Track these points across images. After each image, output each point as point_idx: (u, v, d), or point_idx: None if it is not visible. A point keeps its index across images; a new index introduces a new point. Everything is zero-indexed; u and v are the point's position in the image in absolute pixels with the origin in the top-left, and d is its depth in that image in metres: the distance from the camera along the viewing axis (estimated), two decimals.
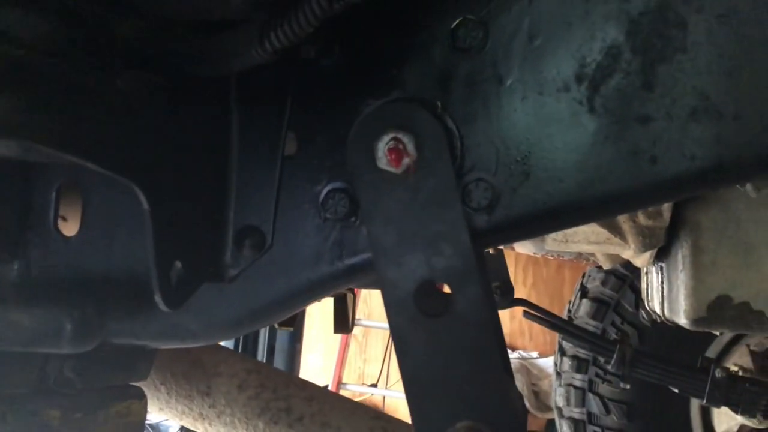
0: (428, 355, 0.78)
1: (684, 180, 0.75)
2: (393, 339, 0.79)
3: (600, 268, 3.17)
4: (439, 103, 0.79)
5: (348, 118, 0.81)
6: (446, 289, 0.78)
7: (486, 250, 2.34)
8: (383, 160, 0.75)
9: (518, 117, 0.77)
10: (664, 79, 0.74)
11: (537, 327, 6.98)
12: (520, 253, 6.65)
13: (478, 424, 0.75)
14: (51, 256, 0.87)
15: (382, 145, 0.75)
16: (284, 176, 0.84)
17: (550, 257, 2.43)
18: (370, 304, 7.20)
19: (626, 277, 3.05)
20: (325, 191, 0.83)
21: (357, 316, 7.08)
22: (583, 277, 3.33)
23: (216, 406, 1.27)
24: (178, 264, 0.74)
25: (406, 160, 0.75)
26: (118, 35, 0.66)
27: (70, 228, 0.90)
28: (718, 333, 2.24)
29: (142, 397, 1.05)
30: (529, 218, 0.79)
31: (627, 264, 3.04)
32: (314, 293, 0.86)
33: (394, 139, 0.75)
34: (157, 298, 0.71)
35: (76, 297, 0.84)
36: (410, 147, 0.75)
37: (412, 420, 0.79)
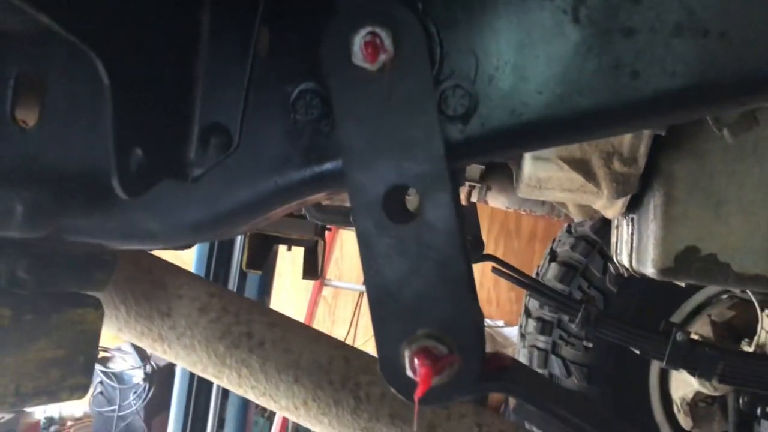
0: (393, 262, 0.76)
1: (664, 98, 0.73)
2: (359, 245, 0.77)
3: (570, 232, 3.19)
4: (420, 5, 0.76)
5: (325, 14, 0.77)
6: (415, 195, 0.76)
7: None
8: (358, 56, 0.72)
9: (500, 24, 0.75)
10: None
11: (504, 296, 7.06)
12: (492, 224, 6.70)
13: (439, 332, 0.74)
14: (6, 145, 0.83)
15: (359, 39, 0.72)
16: (255, 73, 0.81)
17: (522, 212, 2.43)
18: (341, 266, 7.20)
19: (596, 243, 3.07)
20: (296, 91, 0.80)
21: (327, 277, 7.09)
22: (554, 241, 3.35)
23: (176, 328, 1.25)
24: (139, 151, 0.71)
25: (382, 56, 0.72)
26: None
27: (28, 119, 0.86)
28: (683, 285, 2.26)
29: (98, 307, 1.02)
30: (504, 130, 0.77)
31: (597, 229, 3.08)
32: (280, 199, 0.84)
33: (372, 33, 0.72)
34: (115, 183, 0.68)
35: (29, 184, 0.80)
36: (387, 42, 0.72)
37: (374, 328, 0.77)
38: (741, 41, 0.71)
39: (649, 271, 1.43)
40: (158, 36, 0.73)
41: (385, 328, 0.76)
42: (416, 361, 0.73)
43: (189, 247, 0.97)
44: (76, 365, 0.98)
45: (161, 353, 1.28)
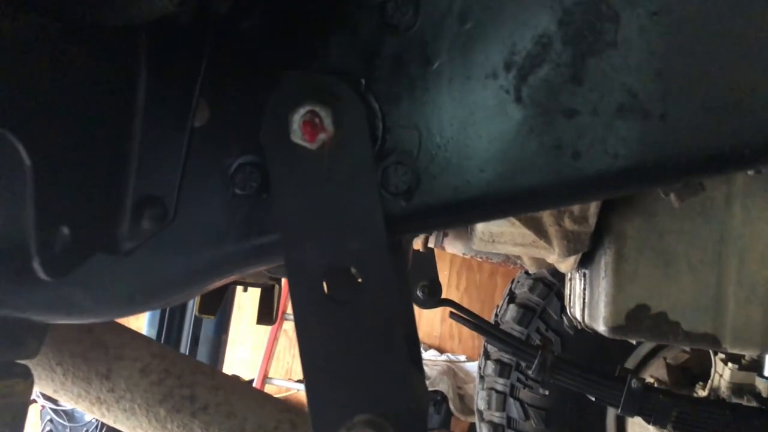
0: (331, 343, 0.73)
1: (606, 178, 0.73)
2: (296, 324, 0.74)
3: (528, 274, 3.21)
4: (363, 80, 0.75)
5: (265, 89, 0.76)
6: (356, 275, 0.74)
7: (416, 249, 2.32)
8: (297, 134, 0.71)
9: (443, 101, 0.74)
10: (593, 74, 0.72)
11: (466, 331, 7.05)
12: (454, 258, 6.71)
13: (378, 418, 0.71)
14: None
15: (298, 117, 0.70)
16: (193, 145, 0.78)
17: (479, 259, 2.43)
18: None
19: (553, 285, 3.08)
20: (235, 164, 0.78)
21: (288, 311, 7.00)
22: (512, 282, 3.35)
23: (115, 391, 1.20)
24: (65, 230, 0.68)
25: (321, 136, 0.71)
26: None
27: None
28: (634, 342, 2.27)
29: (28, 377, 0.97)
30: (447, 206, 0.75)
31: (555, 272, 3.09)
32: (218, 273, 0.81)
33: (311, 111, 0.70)
34: (36, 266, 0.65)
35: None
36: (327, 122, 0.71)
37: (310, 412, 0.74)
38: (681, 123, 0.71)
39: (601, 328, 1.43)
40: (88, 109, 0.70)
41: (321, 413, 0.73)
42: None
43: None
44: None
45: (99, 416, 1.23)
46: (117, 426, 1.23)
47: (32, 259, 0.64)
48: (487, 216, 0.81)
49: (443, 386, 6.18)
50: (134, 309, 0.82)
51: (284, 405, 1.28)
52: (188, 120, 0.78)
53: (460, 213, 0.77)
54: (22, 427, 0.98)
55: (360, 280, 0.74)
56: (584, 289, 1.54)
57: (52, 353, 1.20)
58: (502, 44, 0.73)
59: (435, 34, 0.74)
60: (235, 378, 1.29)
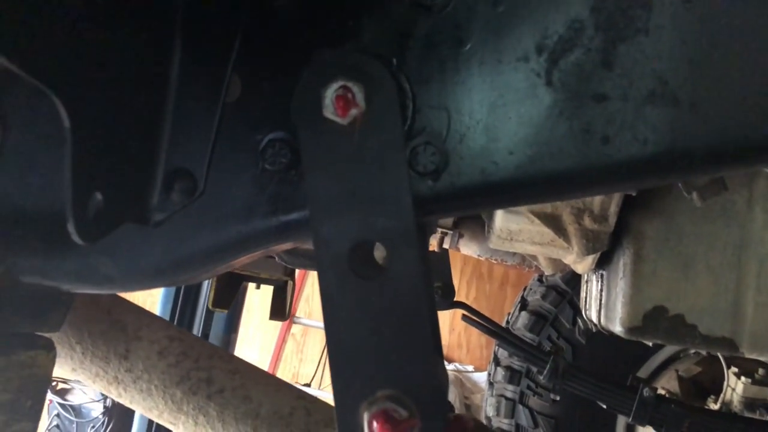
0: (356, 319, 0.74)
1: (635, 164, 0.73)
2: (322, 300, 0.75)
3: (541, 281, 3.20)
4: (394, 60, 0.76)
5: (298, 65, 0.77)
6: (382, 251, 0.75)
7: (431, 250, 2.32)
8: (329, 108, 0.72)
9: (474, 83, 0.75)
10: (624, 60, 0.72)
11: (474, 341, 7.02)
12: (465, 267, 6.70)
13: (400, 394, 0.72)
14: None
15: (330, 92, 0.71)
16: (224, 120, 0.79)
17: (494, 261, 2.43)
18: (312, 303, 7.13)
19: (566, 293, 3.08)
20: (266, 140, 0.79)
21: (297, 315, 7.01)
22: (525, 289, 3.35)
23: (133, 371, 1.21)
24: (98, 195, 0.69)
25: (353, 111, 0.72)
26: None
27: None
28: (650, 344, 2.26)
29: (50, 350, 0.98)
30: (475, 189, 0.76)
31: (568, 280, 3.08)
32: (244, 248, 0.82)
33: (344, 87, 0.71)
34: (70, 228, 0.65)
35: None
36: (359, 97, 0.71)
37: (333, 387, 0.75)
38: (711, 112, 0.71)
39: (617, 329, 1.42)
40: (125, 78, 0.71)
41: (344, 387, 0.74)
42: (375, 424, 0.70)
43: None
44: (23, 410, 0.93)
45: (116, 396, 1.23)
46: (133, 406, 1.24)
47: (67, 222, 0.65)
48: (515, 200, 0.81)
49: (450, 396, 6.16)
50: (161, 281, 0.83)
51: (299, 392, 1.28)
52: (221, 95, 0.79)
53: (488, 196, 0.77)
54: (43, 399, 0.99)
55: (387, 257, 0.74)
56: (601, 290, 1.54)
57: (71, 332, 1.21)
58: (534, 28, 0.73)
59: (468, 15, 0.75)
60: (251, 364, 1.30)
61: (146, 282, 0.83)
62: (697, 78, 0.71)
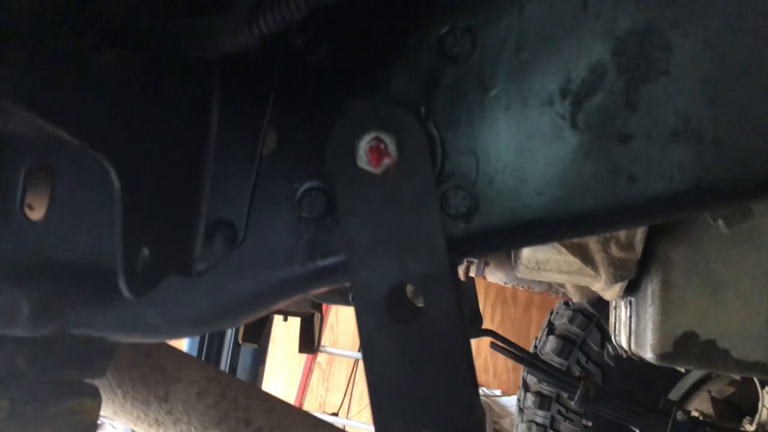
0: (396, 361, 0.76)
1: (661, 201, 0.75)
2: (361, 344, 0.77)
3: (567, 305, 3.19)
4: (423, 108, 0.79)
5: (330, 117, 0.80)
6: (418, 294, 0.77)
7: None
8: (363, 159, 0.75)
9: (501, 127, 0.77)
10: (647, 100, 0.74)
11: (501, 365, 6.97)
12: (488, 291, 6.68)
13: None
14: (14, 238, 0.84)
15: (364, 144, 0.74)
16: (261, 171, 0.83)
17: (520, 288, 2.43)
18: (337, 331, 7.13)
19: (593, 316, 3.06)
20: (302, 189, 0.82)
21: (323, 343, 7.01)
22: (551, 313, 3.34)
23: (173, 413, 1.23)
24: (146, 251, 0.72)
25: (386, 161, 0.75)
26: (102, 11, 0.65)
27: (36, 211, 0.87)
28: (683, 370, 2.24)
29: (96, 396, 1.01)
30: (505, 229, 0.78)
31: (594, 303, 3.07)
32: (284, 294, 0.84)
33: (376, 138, 0.74)
34: (121, 284, 0.69)
35: (36, 280, 0.81)
36: (391, 148, 0.74)
37: (375, 428, 0.77)
38: (734, 147, 0.73)
39: (648, 356, 1.42)
40: (168, 138, 0.75)
41: (385, 428, 0.76)
42: None
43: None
44: None
45: None
46: None
47: (118, 278, 0.68)
48: (545, 239, 0.83)
49: None
50: (204, 328, 0.85)
51: (335, 429, 1.30)
52: (258, 147, 0.82)
53: (519, 235, 0.79)
54: None
55: (423, 300, 0.76)
56: (630, 316, 1.54)
57: (112, 376, 1.24)
58: (557, 73, 0.76)
59: (492, 63, 0.78)
60: (286, 402, 1.32)
61: (190, 329, 0.86)
62: (719, 115, 0.73)
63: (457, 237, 0.78)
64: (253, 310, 0.86)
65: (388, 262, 0.76)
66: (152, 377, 1.25)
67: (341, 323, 7.00)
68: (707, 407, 2.93)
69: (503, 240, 0.80)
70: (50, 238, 0.84)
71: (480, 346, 6.87)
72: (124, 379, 1.25)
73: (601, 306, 3.02)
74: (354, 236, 0.77)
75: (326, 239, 0.81)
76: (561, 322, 3.18)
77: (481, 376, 6.95)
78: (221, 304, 0.84)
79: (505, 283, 2.32)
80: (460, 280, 2.26)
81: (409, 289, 0.80)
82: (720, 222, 1.10)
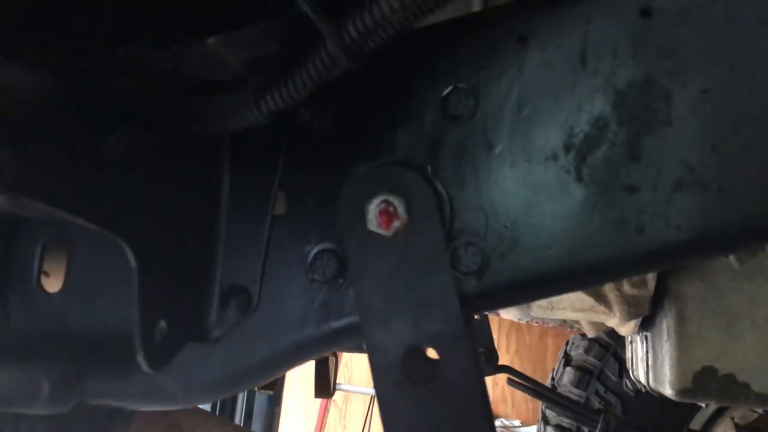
0: (415, 423, 0.76)
1: (670, 250, 0.76)
2: (379, 406, 0.77)
3: (583, 335, 3.16)
4: (429, 168, 0.80)
5: (339, 180, 0.81)
6: (434, 355, 0.77)
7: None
8: (373, 222, 0.76)
9: (507, 183, 0.78)
10: (650, 151, 0.75)
11: (519, 395, 6.89)
12: (503, 320, 6.63)
13: None
14: (31, 312, 0.86)
15: (373, 207, 0.76)
16: (273, 236, 0.84)
17: (534, 324, 2.42)
18: (351, 368, 7.08)
19: (609, 346, 3.03)
20: (313, 252, 0.83)
21: (338, 381, 6.96)
22: (567, 344, 3.31)
23: None
24: (163, 323, 0.73)
25: (396, 223, 0.75)
26: (112, 92, 0.67)
27: (52, 284, 0.88)
28: (703, 405, 2.21)
29: None
30: (517, 284, 0.79)
31: (610, 332, 3.04)
32: (299, 356, 0.85)
33: (385, 201, 0.75)
34: (140, 359, 0.70)
35: (55, 356, 0.82)
36: (401, 210, 0.75)
37: None
38: (739, 194, 0.74)
39: (668, 392, 1.41)
40: (181, 211, 0.76)
41: None
42: None
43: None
44: None
45: None
46: None
47: (137, 353, 0.69)
48: (557, 291, 0.84)
49: None
50: (222, 393, 0.86)
51: None
52: (268, 212, 0.83)
53: (531, 289, 0.80)
54: None
55: (439, 360, 0.76)
56: (647, 351, 1.53)
57: None
58: (560, 128, 0.77)
59: (495, 121, 0.79)
60: None
61: (207, 396, 0.86)
62: (722, 162, 0.74)
63: (470, 294, 0.78)
64: (270, 374, 0.86)
65: (402, 324, 0.77)
66: None
67: (356, 360, 6.95)
68: None
69: (516, 294, 0.81)
70: (67, 311, 0.85)
71: (498, 376, 6.80)
72: None
73: (617, 335, 2.99)
74: (367, 298, 0.77)
75: (339, 301, 0.82)
76: (577, 353, 3.16)
77: (499, 407, 6.87)
78: (237, 370, 0.84)
79: (519, 319, 2.32)
80: (474, 323, 2.25)
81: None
82: (731, 258, 1.10)
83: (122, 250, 0.68)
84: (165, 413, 1.28)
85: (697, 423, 2.89)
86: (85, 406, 0.91)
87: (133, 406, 0.87)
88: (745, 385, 1.37)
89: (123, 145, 0.69)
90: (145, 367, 0.70)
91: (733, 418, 2.90)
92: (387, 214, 0.75)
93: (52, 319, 0.85)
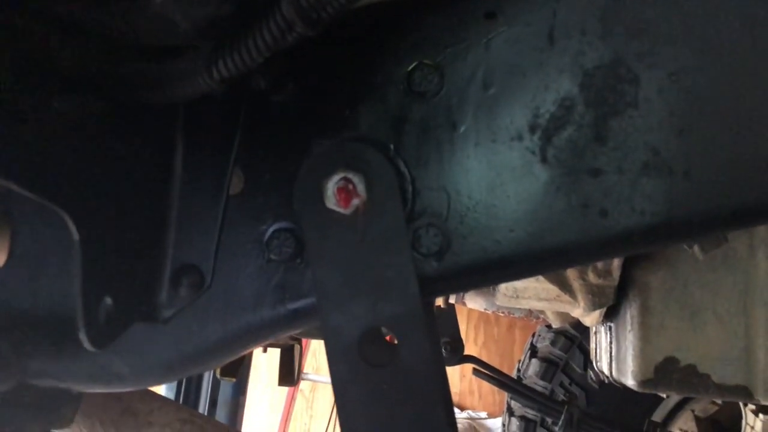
0: (370, 406, 0.74)
1: (634, 234, 0.74)
2: (333, 389, 0.75)
3: (550, 327, 3.18)
4: (391, 146, 0.78)
5: (298, 157, 0.79)
6: (392, 338, 0.75)
7: (437, 306, 2.32)
8: (332, 200, 0.73)
9: (471, 164, 0.76)
10: (616, 133, 0.74)
11: (486, 387, 6.94)
12: (471, 312, 6.66)
13: None
14: None
15: (332, 185, 0.73)
16: (228, 213, 0.81)
17: (500, 314, 2.42)
18: (319, 358, 7.06)
19: (575, 338, 3.06)
20: (270, 231, 0.80)
21: (305, 371, 6.93)
22: (533, 336, 3.33)
23: None
24: (108, 300, 0.70)
25: (355, 201, 0.73)
26: (57, 56, 0.63)
27: None
28: (664, 396, 2.24)
29: None
30: (478, 267, 0.77)
31: (576, 325, 3.06)
32: (254, 338, 0.82)
33: (344, 179, 0.73)
34: (82, 336, 0.66)
35: None
36: (360, 188, 0.73)
37: None
38: (705, 179, 0.73)
39: (630, 382, 1.41)
40: (130, 183, 0.73)
41: None
42: None
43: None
44: None
45: None
46: None
47: (78, 331, 0.66)
48: (518, 275, 0.82)
49: None
50: (172, 376, 0.83)
51: None
52: (224, 189, 0.80)
53: (491, 272, 0.78)
54: None
55: (396, 342, 0.74)
56: (610, 342, 1.53)
57: (82, 421, 1.20)
58: (525, 107, 0.75)
59: (460, 99, 0.77)
60: None
61: (157, 378, 0.83)
62: (688, 147, 0.73)
63: (430, 276, 0.76)
64: (223, 356, 0.83)
65: (360, 305, 0.74)
66: (124, 421, 1.22)
67: (323, 350, 6.91)
68: (691, 426, 2.93)
69: (476, 277, 0.79)
70: (10, 288, 0.81)
71: (465, 368, 6.84)
72: (95, 423, 1.21)
73: (583, 327, 3.01)
74: (324, 278, 0.75)
75: (296, 282, 0.79)
76: (543, 344, 3.17)
77: (466, 399, 6.91)
78: (189, 351, 0.81)
79: (485, 309, 2.31)
80: (439, 311, 2.24)
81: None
82: (695, 248, 1.10)
83: (65, 222, 0.64)
84: (118, 398, 1.24)
85: (658, 415, 2.93)
86: (29, 387, 0.88)
87: (78, 387, 0.84)
88: (706, 376, 1.37)
89: (68, 112, 0.66)
90: (87, 345, 0.67)
91: (693, 411, 2.95)
92: (346, 192, 0.72)
93: None
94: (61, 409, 0.97)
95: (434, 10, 0.78)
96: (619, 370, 1.49)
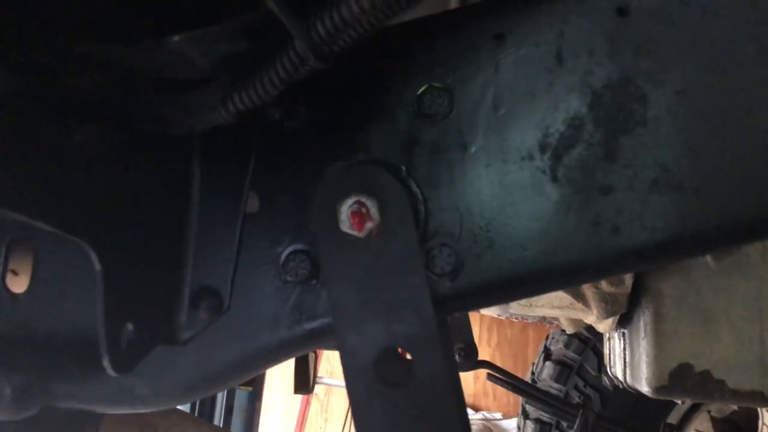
0: (387, 425, 0.75)
1: (646, 251, 0.75)
2: (351, 408, 0.76)
3: (563, 330, 3.18)
4: (403, 168, 0.79)
5: (312, 179, 0.80)
6: (407, 357, 0.76)
7: None
8: (346, 224, 0.74)
9: (482, 184, 0.77)
10: (626, 151, 0.75)
11: (500, 388, 6.92)
12: (484, 314, 6.65)
13: None
14: None
15: (345, 209, 0.74)
16: (245, 236, 0.82)
17: (514, 319, 2.42)
18: (333, 362, 7.08)
19: (589, 341, 3.05)
20: (286, 252, 0.81)
21: (319, 374, 6.94)
22: (547, 339, 3.32)
23: None
24: (130, 326, 0.71)
25: (368, 224, 0.74)
26: (76, 89, 0.65)
27: (19, 284, 0.86)
28: (679, 401, 2.23)
29: None
30: (492, 285, 0.78)
31: (590, 327, 3.06)
32: (271, 358, 0.83)
33: (358, 202, 0.74)
34: (105, 363, 0.68)
35: (19, 359, 0.80)
36: (373, 211, 0.74)
37: None
38: (715, 194, 0.73)
39: (645, 389, 1.42)
40: (148, 213, 0.74)
41: None
42: None
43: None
44: None
45: None
46: None
47: (101, 357, 0.67)
48: (532, 292, 0.83)
49: None
50: (192, 396, 0.84)
51: None
52: (240, 212, 0.82)
53: (505, 290, 0.79)
54: None
55: (412, 362, 0.75)
56: (624, 349, 1.54)
57: None
58: (535, 127, 0.76)
59: (470, 121, 0.78)
60: None
61: (177, 399, 0.84)
62: (698, 163, 0.73)
63: (444, 296, 0.77)
64: (240, 376, 0.84)
65: (375, 326, 0.76)
66: None
67: (338, 354, 6.91)
68: (707, 427, 2.92)
69: (490, 296, 0.80)
70: (33, 312, 0.83)
71: (479, 370, 6.80)
72: None
73: (596, 330, 3.01)
74: (340, 300, 0.76)
75: (312, 303, 0.81)
76: (557, 347, 3.17)
77: (480, 400, 6.90)
78: (208, 372, 0.82)
79: (498, 315, 2.32)
80: (451, 316, 2.25)
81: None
82: (708, 258, 1.10)
83: (87, 253, 0.66)
84: (138, 413, 1.26)
85: (674, 417, 2.92)
86: (53, 409, 0.89)
87: (101, 409, 0.86)
88: (721, 382, 1.37)
89: (88, 144, 0.67)
90: (110, 371, 0.68)
91: (709, 412, 2.94)
92: (359, 216, 0.74)
93: (18, 321, 0.83)
94: (83, 429, 0.98)
95: (443, 33, 0.80)
96: (633, 376, 1.49)
